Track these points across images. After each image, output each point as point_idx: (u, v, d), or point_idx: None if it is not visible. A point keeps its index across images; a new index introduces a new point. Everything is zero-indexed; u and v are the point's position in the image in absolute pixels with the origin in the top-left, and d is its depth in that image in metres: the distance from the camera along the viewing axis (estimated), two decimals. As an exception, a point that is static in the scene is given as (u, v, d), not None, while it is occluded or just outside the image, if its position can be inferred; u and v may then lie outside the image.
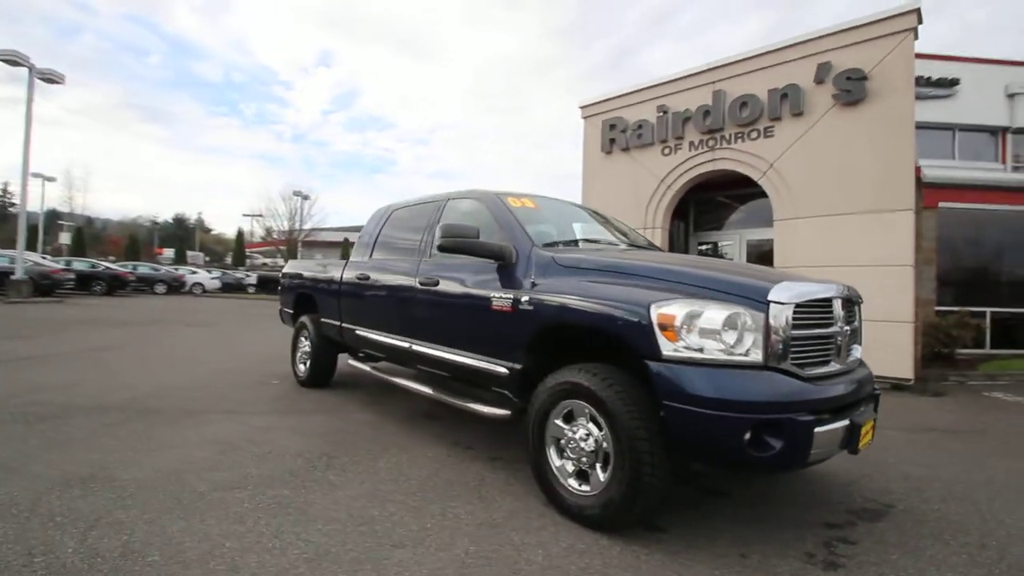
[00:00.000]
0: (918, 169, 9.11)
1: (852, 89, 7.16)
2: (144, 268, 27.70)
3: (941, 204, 9.98)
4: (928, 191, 9.83)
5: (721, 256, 11.00)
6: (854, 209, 7.37)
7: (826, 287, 2.64)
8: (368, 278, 4.47)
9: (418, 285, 3.72)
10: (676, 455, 2.30)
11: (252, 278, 31.39)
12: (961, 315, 8.88)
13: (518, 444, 3.75)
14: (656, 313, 2.24)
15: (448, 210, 3.92)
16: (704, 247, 11.45)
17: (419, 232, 4.08)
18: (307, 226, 36.09)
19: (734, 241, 10.80)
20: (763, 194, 8.78)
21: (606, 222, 4.25)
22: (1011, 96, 14.04)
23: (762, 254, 9.73)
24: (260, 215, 37.88)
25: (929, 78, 13.25)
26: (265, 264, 46.16)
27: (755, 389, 2.13)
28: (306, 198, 35.01)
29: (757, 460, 2.12)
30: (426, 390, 3.79)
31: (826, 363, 2.55)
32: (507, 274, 3.07)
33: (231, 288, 29.87)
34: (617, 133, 10.22)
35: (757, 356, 2.18)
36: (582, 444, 2.51)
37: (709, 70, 8.78)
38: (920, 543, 2.53)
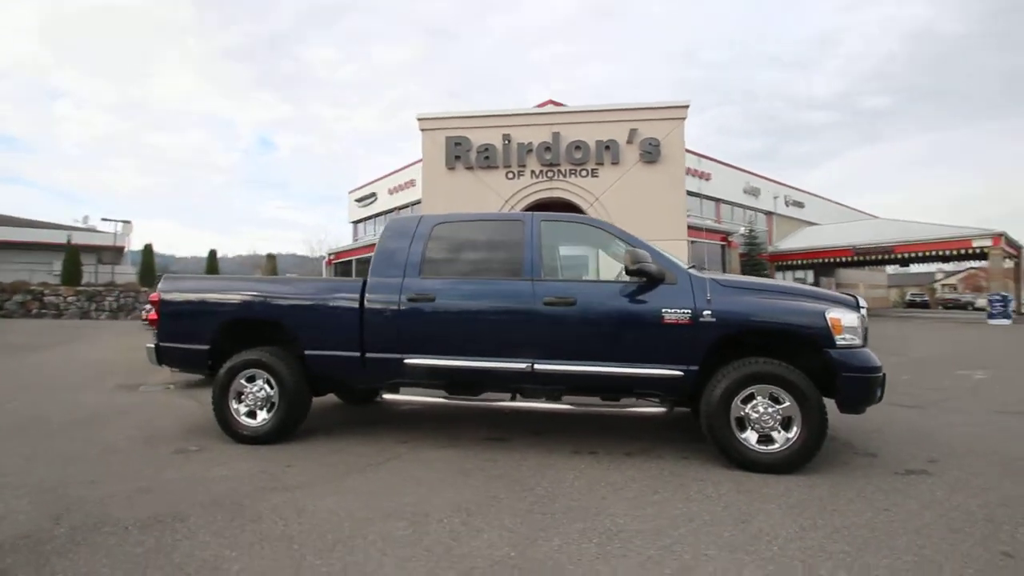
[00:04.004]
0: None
1: (651, 152, 10.07)
2: None
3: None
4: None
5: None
6: (654, 237, 10.22)
7: None
8: (434, 299, 3.93)
9: (542, 305, 3.71)
10: (843, 408, 3.46)
11: None
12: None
13: (612, 439, 4.13)
14: (829, 317, 3.33)
15: (544, 230, 3.98)
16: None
17: (508, 251, 3.95)
18: None
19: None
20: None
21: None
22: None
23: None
24: None
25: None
26: None
27: (876, 358, 3.51)
28: None
29: (877, 401, 3.52)
30: (564, 406, 3.77)
31: None
32: (668, 292, 3.56)
33: None
34: (462, 152, 10.79)
35: (861, 340, 3.56)
36: (775, 415, 3.37)
37: (549, 113, 10.51)
38: (920, 454, 3.59)
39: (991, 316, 19.29)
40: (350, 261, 29.50)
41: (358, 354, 4.00)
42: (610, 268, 4.64)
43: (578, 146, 10.48)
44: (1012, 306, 20.16)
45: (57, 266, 28.03)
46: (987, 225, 20.95)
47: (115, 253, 35.47)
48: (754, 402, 3.38)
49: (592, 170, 10.48)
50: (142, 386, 6.77)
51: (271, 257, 33.86)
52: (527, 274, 3.83)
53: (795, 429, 3.33)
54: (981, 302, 34.09)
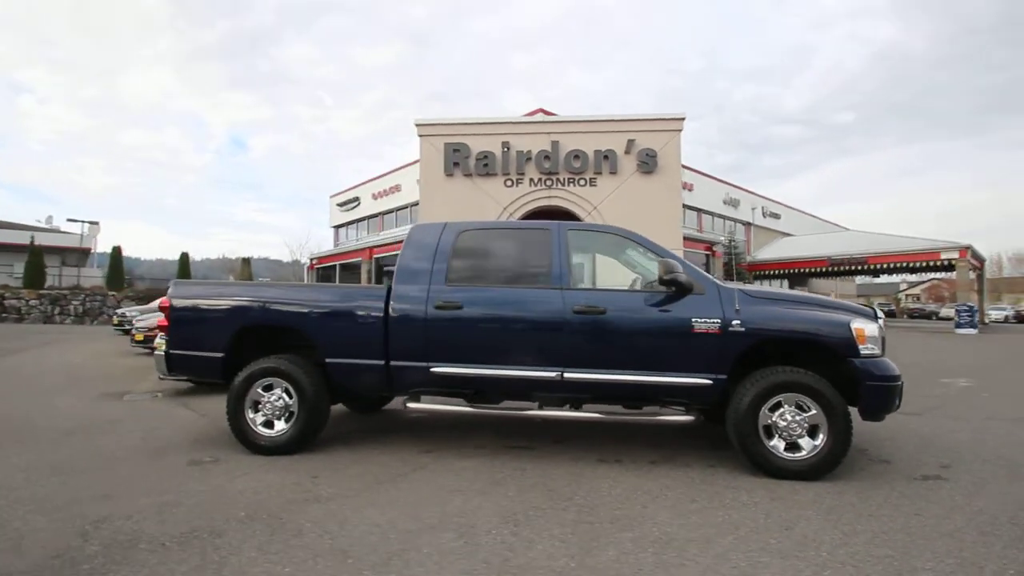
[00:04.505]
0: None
1: (648, 162, 10.26)
2: None
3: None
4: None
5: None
6: (649, 246, 10.46)
7: None
8: (461, 307, 3.91)
9: (572, 314, 3.72)
10: (865, 416, 3.57)
11: None
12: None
13: (635, 448, 4.16)
14: (854, 327, 3.45)
15: (571, 238, 4.01)
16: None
17: (535, 259, 3.96)
18: None
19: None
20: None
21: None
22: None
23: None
24: None
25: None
26: None
27: (896, 367, 3.63)
28: None
29: (896, 409, 3.64)
30: (590, 415, 3.80)
31: None
32: (698, 302, 3.62)
33: None
34: (461, 158, 10.79)
35: (881, 350, 3.70)
36: (802, 423, 3.42)
37: (549, 122, 10.60)
38: (931, 460, 3.75)
39: (959, 326, 20.15)
40: (333, 266, 29.05)
41: (382, 362, 3.95)
42: (610, 275, 4.69)
43: (577, 155, 10.62)
44: (977, 316, 21.14)
45: (19, 268, 26.75)
46: (961, 238, 21.94)
47: (81, 255, 33.99)
48: (781, 410, 3.45)
49: (590, 179, 10.65)
50: (127, 394, 6.53)
51: (246, 261, 32.91)
52: (556, 282, 3.84)
53: (821, 437, 3.41)
54: (945, 312, 35.72)
